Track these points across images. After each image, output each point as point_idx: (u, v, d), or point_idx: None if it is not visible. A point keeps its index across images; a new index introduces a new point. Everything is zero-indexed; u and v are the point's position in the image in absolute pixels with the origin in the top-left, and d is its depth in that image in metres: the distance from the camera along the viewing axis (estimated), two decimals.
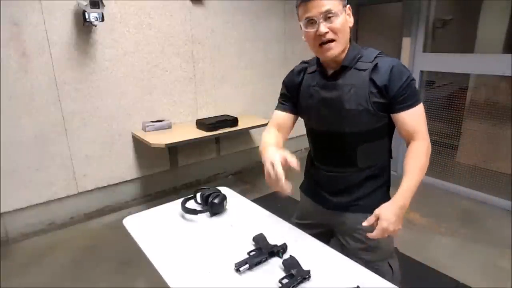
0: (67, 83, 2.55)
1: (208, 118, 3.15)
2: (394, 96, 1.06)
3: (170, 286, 0.98)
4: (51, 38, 2.42)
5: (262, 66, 3.59)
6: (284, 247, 1.09)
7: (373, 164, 1.18)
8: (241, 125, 3.06)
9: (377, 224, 1.00)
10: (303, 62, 1.27)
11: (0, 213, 2.47)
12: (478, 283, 2.01)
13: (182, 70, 3.10)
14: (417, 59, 3.28)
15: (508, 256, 2.26)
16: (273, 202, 1.74)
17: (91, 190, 2.85)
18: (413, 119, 1.08)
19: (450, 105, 3.19)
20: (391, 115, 1.11)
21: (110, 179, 2.92)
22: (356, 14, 3.83)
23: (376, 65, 1.07)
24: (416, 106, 1.08)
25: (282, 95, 1.30)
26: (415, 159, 1.07)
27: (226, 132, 2.95)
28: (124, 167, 2.96)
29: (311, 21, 1.05)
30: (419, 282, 2.03)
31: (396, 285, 0.95)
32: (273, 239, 1.13)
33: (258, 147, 3.82)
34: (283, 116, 1.27)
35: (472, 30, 3.38)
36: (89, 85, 2.64)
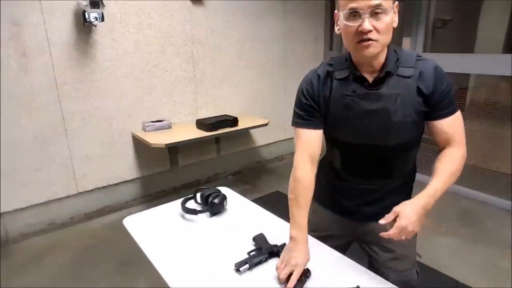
0: (67, 83, 2.54)
1: (208, 118, 3.15)
2: (437, 102, 0.98)
3: (170, 286, 0.98)
4: (51, 38, 2.42)
5: (262, 66, 3.59)
6: (284, 247, 1.09)
7: (405, 174, 1.12)
8: (241, 125, 3.06)
9: (394, 222, 0.91)
10: (325, 64, 1.08)
11: (0, 213, 2.47)
12: (478, 283, 2.01)
13: (182, 70, 3.10)
14: None
15: (508, 256, 2.26)
16: (273, 202, 1.74)
17: (91, 190, 2.85)
18: (453, 126, 1.01)
19: None
20: (430, 122, 1.02)
21: (110, 179, 2.92)
22: None
23: (420, 72, 0.97)
24: (457, 113, 1.01)
25: (305, 109, 1.06)
26: (448, 164, 1.00)
27: (226, 132, 2.95)
28: (124, 167, 2.96)
29: (354, 14, 0.90)
30: (419, 282, 2.03)
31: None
32: (273, 239, 1.13)
33: (258, 147, 3.80)
34: (316, 135, 1.07)
35: (472, 30, 3.38)
36: (89, 85, 2.64)
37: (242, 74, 3.48)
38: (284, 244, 1.09)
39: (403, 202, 0.94)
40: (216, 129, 2.89)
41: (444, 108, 0.99)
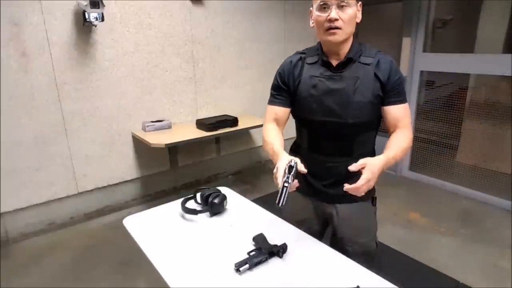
0: (67, 83, 2.55)
1: (208, 118, 3.15)
2: (390, 90, 1.16)
3: (170, 286, 0.98)
4: (51, 38, 2.42)
5: (262, 66, 3.59)
6: (284, 247, 1.09)
7: (364, 154, 1.21)
8: (241, 125, 3.06)
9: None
10: (298, 52, 1.28)
11: (0, 213, 2.47)
12: (478, 283, 2.01)
13: (182, 70, 3.10)
14: (417, 59, 3.28)
15: (508, 256, 2.26)
16: (273, 202, 1.74)
17: (91, 190, 2.85)
18: (402, 112, 1.18)
19: (450, 105, 3.20)
20: (383, 107, 1.18)
21: (110, 179, 2.92)
22: None
23: (378, 61, 1.16)
24: (405, 103, 1.20)
25: (276, 88, 1.29)
26: (401, 140, 1.15)
27: (226, 132, 2.95)
28: (124, 167, 2.96)
29: (324, 6, 1.10)
30: (419, 282, 2.03)
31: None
32: (273, 239, 1.14)
33: (258, 147, 3.82)
34: (281, 111, 1.28)
35: (472, 30, 3.38)
36: (89, 85, 2.64)
37: (242, 74, 3.48)
38: (284, 244, 1.09)
39: (368, 158, 1.04)
40: (216, 129, 2.89)
41: (395, 96, 1.17)
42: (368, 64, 1.16)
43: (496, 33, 3.25)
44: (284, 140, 1.26)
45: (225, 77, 3.38)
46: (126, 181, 3.01)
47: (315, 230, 1.34)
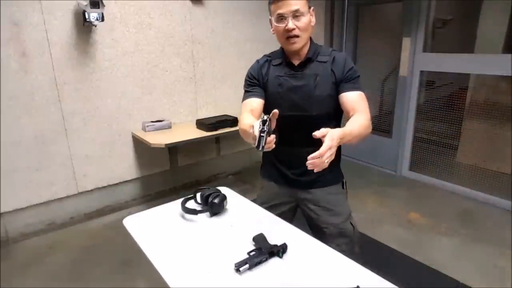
0: (67, 83, 2.55)
1: (208, 118, 3.15)
2: (344, 79, 1.28)
3: (170, 286, 0.98)
4: (51, 38, 2.42)
5: None
6: (284, 247, 1.09)
7: None
8: None
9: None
10: (265, 55, 1.43)
11: (0, 213, 2.47)
12: (478, 283, 2.01)
13: (182, 70, 3.10)
14: (417, 59, 3.28)
15: (508, 256, 2.26)
16: None
17: (91, 190, 2.85)
18: (358, 98, 1.28)
19: (450, 105, 3.19)
20: (340, 95, 1.29)
21: (110, 179, 2.92)
22: (356, 14, 3.85)
23: (333, 58, 1.31)
24: (361, 92, 1.30)
25: (249, 84, 1.42)
26: (359, 119, 1.22)
27: (226, 132, 2.94)
28: (124, 167, 2.97)
29: (281, 17, 1.24)
30: (419, 282, 2.03)
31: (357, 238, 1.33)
32: (273, 239, 1.14)
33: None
34: (256, 102, 1.37)
35: (472, 30, 3.38)
36: (89, 85, 2.64)
37: (242, 74, 3.43)
38: (284, 244, 1.09)
39: (330, 129, 1.10)
40: (216, 129, 2.89)
41: (350, 84, 1.29)
42: (325, 62, 1.30)
43: (496, 33, 3.25)
44: None
45: (225, 77, 3.38)
46: (126, 181, 3.01)
47: (286, 214, 1.46)
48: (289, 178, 1.43)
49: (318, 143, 1.25)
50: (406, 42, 3.30)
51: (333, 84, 1.29)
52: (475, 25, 3.34)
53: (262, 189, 1.55)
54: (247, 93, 1.41)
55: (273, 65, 1.37)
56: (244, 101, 1.41)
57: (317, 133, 1.06)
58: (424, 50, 3.24)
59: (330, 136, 1.04)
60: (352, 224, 1.44)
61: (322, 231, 1.40)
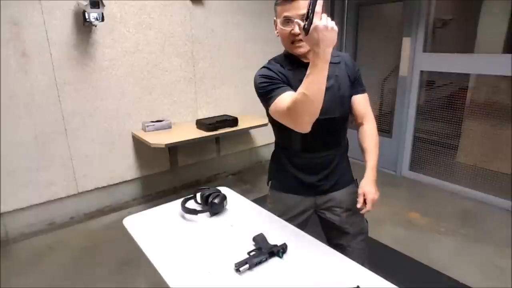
0: (67, 83, 2.55)
1: (208, 118, 3.15)
2: (354, 81, 1.30)
3: (170, 286, 0.98)
4: (51, 38, 2.42)
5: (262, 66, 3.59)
6: (284, 247, 1.09)
7: (345, 142, 1.41)
8: (241, 125, 3.06)
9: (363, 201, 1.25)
10: (272, 61, 1.29)
11: (0, 213, 2.47)
12: (478, 283, 2.01)
13: (182, 70, 3.10)
14: (417, 59, 3.28)
15: (508, 255, 2.26)
16: None
17: (91, 190, 2.85)
18: (366, 101, 1.34)
19: (450, 105, 3.19)
20: (352, 98, 1.32)
21: (110, 179, 2.92)
22: (356, 14, 3.85)
23: (343, 59, 1.30)
24: (366, 93, 1.35)
25: (274, 82, 1.18)
26: (371, 139, 1.33)
27: (226, 132, 2.94)
28: (124, 167, 2.96)
29: (288, 20, 1.16)
30: (419, 282, 2.03)
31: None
32: (273, 239, 1.14)
33: (258, 147, 3.79)
34: (291, 93, 1.13)
35: (472, 30, 3.38)
36: (89, 85, 2.64)
37: (242, 74, 3.47)
38: (284, 244, 1.09)
39: (361, 185, 1.26)
40: (216, 129, 2.89)
41: (359, 86, 1.32)
42: (338, 63, 1.27)
43: (496, 33, 3.25)
44: (266, 145, 1.30)
45: (225, 77, 3.38)
46: (126, 181, 3.01)
47: (305, 223, 1.44)
48: (308, 185, 1.36)
49: (335, 146, 1.36)
50: (406, 42, 3.30)
51: (350, 85, 1.30)
52: (475, 25, 3.34)
53: (275, 202, 1.44)
54: (277, 90, 1.16)
55: (289, 70, 1.24)
56: (278, 98, 1.14)
57: (359, 205, 1.23)
58: (424, 50, 3.23)
59: (370, 196, 1.23)
60: (366, 221, 1.48)
61: (344, 232, 1.40)
